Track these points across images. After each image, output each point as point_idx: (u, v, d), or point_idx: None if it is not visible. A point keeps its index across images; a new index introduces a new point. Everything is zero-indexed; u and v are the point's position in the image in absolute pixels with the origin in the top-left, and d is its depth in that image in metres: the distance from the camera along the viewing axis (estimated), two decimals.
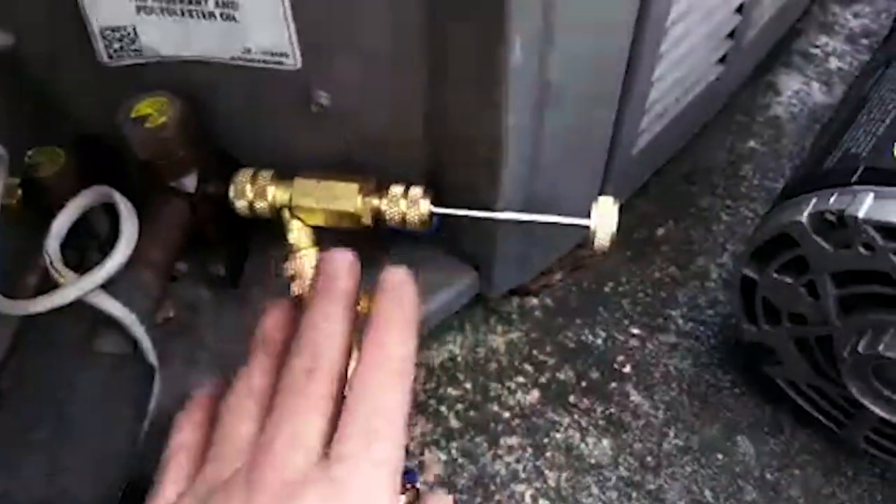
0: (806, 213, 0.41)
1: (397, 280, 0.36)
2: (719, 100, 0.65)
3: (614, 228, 0.42)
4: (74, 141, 0.45)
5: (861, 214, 0.38)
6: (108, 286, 0.39)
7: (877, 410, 0.45)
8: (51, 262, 0.38)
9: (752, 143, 0.68)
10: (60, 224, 0.40)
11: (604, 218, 0.42)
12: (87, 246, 0.45)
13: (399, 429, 0.31)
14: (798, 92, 0.72)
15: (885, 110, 0.44)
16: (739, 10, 0.56)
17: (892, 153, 0.41)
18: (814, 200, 0.41)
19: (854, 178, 0.40)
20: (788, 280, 0.44)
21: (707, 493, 0.50)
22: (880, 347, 0.41)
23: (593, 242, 0.42)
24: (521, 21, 0.36)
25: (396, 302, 0.34)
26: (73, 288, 0.37)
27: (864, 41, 0.76)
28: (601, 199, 0.42)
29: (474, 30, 0.37)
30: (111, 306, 0.38)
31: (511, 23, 0.36)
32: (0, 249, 0.42)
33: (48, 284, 0.40)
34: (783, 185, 0.47)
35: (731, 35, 0.58)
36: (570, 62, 0.41)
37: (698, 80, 0.58)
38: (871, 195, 0.38)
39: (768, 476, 0.51)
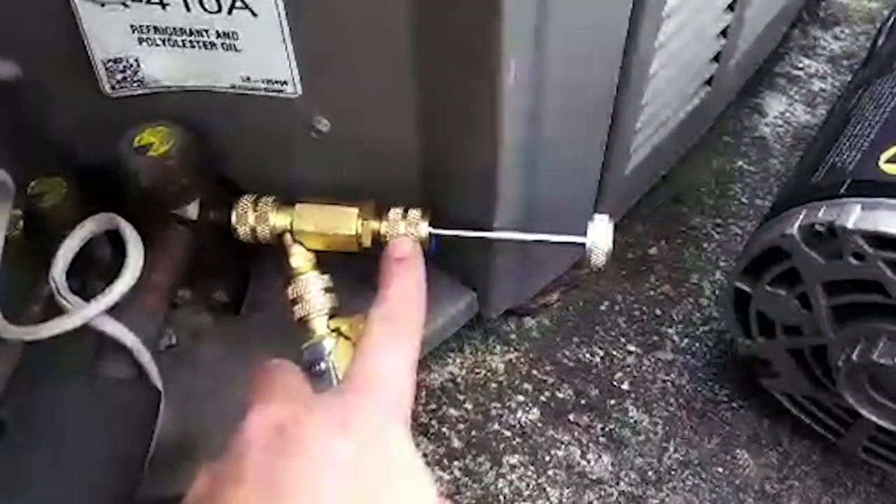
0: (796, 226, 0.42)
1: (405, 250, 0.37)
2: (706, 121, 0.67)
3: (610, 245, 0.43)
4: (77, 171, 0.46)
5: (850, 225, 0.39)
6: (113, 311, 0.39)
7: (873, 419, 0.45)
8: (56, 289, 0.39)
9: (739, 163, 0.69)
10: (66, 251, 0.40)
11: (599, 235, 0.43)
12: (88, 275, 0.45)
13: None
14: (783, 113, 0.74)
15: (868, 126, 0.45)
16: (724, 34, 0.58)
17: (878, 166, 0.42)
18: (803, 213, 0.42)
19: (842, 191, 0.41)
20: (781, 292, 0.45)
21: None
22: (874, 355, 0.42)
23: (590, 260, 0.43)
24: (514, 46, 0.37)
25: (404, 272, 0.36)
26: (80, 313, 0.38)
27: (845, 63, 0.78)
28: (596, 217, 0.43)
29: (469, 55, 0.38)
30: (117, 331, 0.39)
31: (504, 48, 0.37)
32: (4, 279, 0.43)
33: (51, 313, 0.40)
34: (773, 201, 0.48)
35: (716, 58, 0.59)
36: (562, 84, 0.42)
37: (685, 103, 0.59)
38: (859, 206, 0.40)
39: (768, 488, 0.51)
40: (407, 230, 0.44)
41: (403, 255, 0.38)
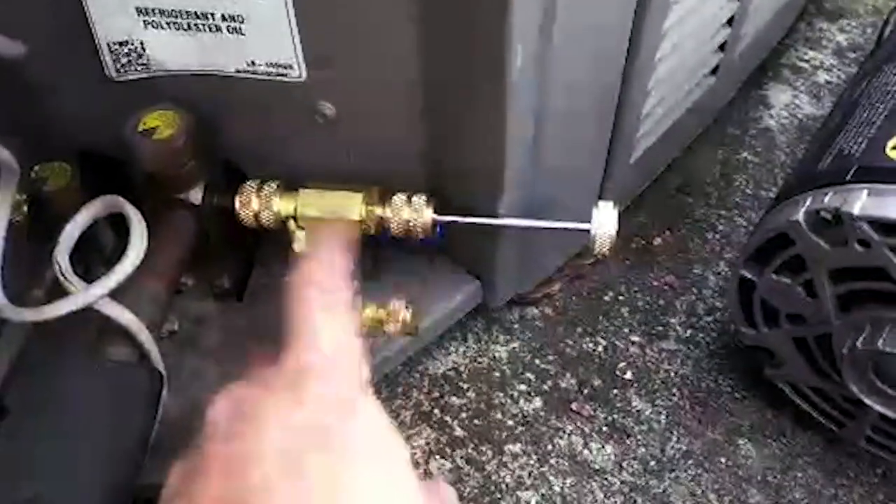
0: (802, 212, 0.42)
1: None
2: (712, 111, 0.67)
3: (614, 232, 0.43)
4: (81, 155, 0.46)
5: (856, 211, 0.39)
6: (116, 294, 0.39)
7: (877, 407, 0.45)
8: (60, 270, 0.39)
9: (744, 155, 0.69)
10: (70, 233, 0.40)
11: (604, 222, 0.43)
12: (91, 262, 0.45)
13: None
14: (788, 105, 0.73)
15: (875, 113, 0.45)
16: (729, 23, 0.57)
17: (884, 152, 0.42)
18: (809, 199, 0.42)
19: (848, 177, 0.41)
20: (786, 280, 0.45)
21: (711, 496, 0.50)
22: (879, 343, 0.42)
23: (594, 246, 0.43)
24: (521, 33, 0.37)
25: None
26: (83, 295, 0.38)
27: (851, 55, 0.78)
28: (601, 203, 0.43)
29: (476, 41, 0.38)
30: (120, 314, 0.38)
31: (512, 36, 0.37)
32: (8, 263, 0.43)
33: (55, 297, 0.40)
34: (779, 188, 0.48)
35: (721, 48, 0.59)
36: (568, 72, 0.42)
37: (691, 92, 0.59)
38: (865, 192, 0.39)
39: (771, 478, 0.51)
40: (411, 216, 0.44)
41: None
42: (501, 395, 0.55)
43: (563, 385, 0.55)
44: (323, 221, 0.43)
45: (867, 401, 0.45)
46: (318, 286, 0.32)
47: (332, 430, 0.27)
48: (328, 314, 0.31)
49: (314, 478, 0.25)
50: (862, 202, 0.39)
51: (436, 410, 0.54)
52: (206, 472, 0.26)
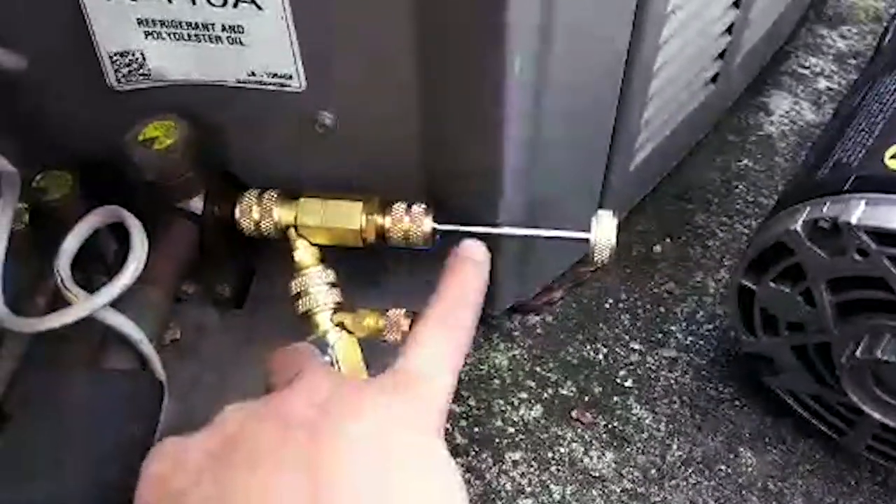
0: (800, 222, 0.42)
1: (477, 253, 0.38)
2: (712, 118, 0.67)
3: (614, 241, 0.43)
4: (82, 165, 0.46)
5: (854, 220, 0.39)
6: (117, 304, 0.39)
7: (877, 416, 0.45)
8: (61, 280, 0.39)
9: (745, 162, 0.69)
10: (71, 243, 0.41)
11: (603, 231, 0.43)
12: (92, 272, 0.45)
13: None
14: (788, 112, 0.74)
15: (873, 123, 0.45)
16: (729, 30, 0.57)
17: (882, 162, 0.42)
18: (808, 209, 0.42)
19: (846, 187, 0.41)
20: (785, 289, 0.45)
21: (711, 503, 0.50)
22: (878, 352, 0.42)
23: (594, 255, 0.43)
24: (519, 40, 0.37)
25: (470, 274, 0.36)
26: (85, 304, 0.38)
27: (852, 61, 0.78)
28: (600, 212, 0.43)
29: (474, 49, 0.38)
30: (121, 323, 0.39)
31: (510, 41, 0.37)
32: (9, 273, 0.43)
33: (56, 307, 0.40)
34: (778, 197, 0.48)
35: (721, 55, 0.59)
36: (566, 79, 0.42)
37: (691, 99, 0.59)
38: (863, 202, 0.40)
39: (771, 486, 0.51)
40: (411, 225, 0.44)
41: (473, 257, 0.38)
42: (502, 402, 0.55)
43: (564, 392, 0.55)
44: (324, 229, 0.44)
45: (867, 410, 0.45)
46: (446, 316, 0.34)
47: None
48: (446, 343, 0.33)
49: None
50: (860, 212, 0.39)
51: None
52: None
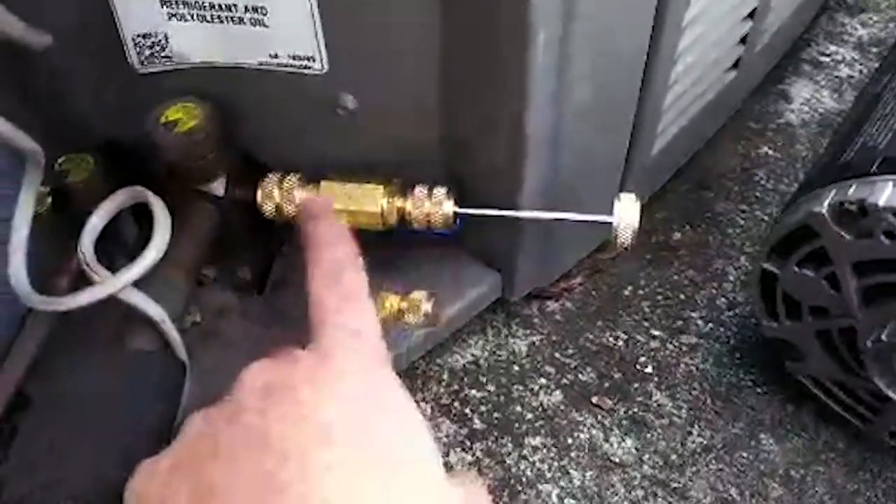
0: (826, 204, 0.41)
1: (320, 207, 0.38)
2: (732, 105, 0.66)
3: (636, 224, 0.42)
4: (104, 147, 0.46)
5: (882, 202, 0.39)
6: (140, 284, 0.39)
7: None
8: (85, 260, 0.39)
9: (765, 149, 0.69)
10: (94, 223, 0.41)
11: (626, 214, 0.42)
12: (114, 255, 0.46)
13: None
14: (809, 99, 0.73)
15: None
16: (751, 16, 0.57)
17: None
18: (833, 191, 0.42)
19: (873, 169, 0.41)
20: (809, 273, 0.44)
21: (732, 490, 0.50)
22: None
23: (616, 238, 0.43)
24: (543, 21, 0.37)
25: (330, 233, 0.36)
26: (108, 284, 0.38)
27: (874, 49, 0.77)
28: (623, 195, 0.43)
29: (498, 30, 0.38)
30: (144, 303, 0.39)
31: (534, 21, 0.37)
32: (32, 254, 0.43)
33: (79, 288, 0.40)
34: (801, 181, 0.48)
35: (743, 41, 0.59)
36: (590, 63, 0.42)
37: (712, 85, 0.59)
38: (891, 184, 0.39)
39: (793, 473, 0.51)
40: (432, 208, 0.44)
41: (319, 214, 0.37)
42: (521, 388, 0.55)
43: (584, 378, 0.55)
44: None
45: (892, 395, 0.45)
46: (334, 276, 0.33)
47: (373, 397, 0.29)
48: (347, 300, 0.32)
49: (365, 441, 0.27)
50: (888, 193, 0.39)
51: (455, 403, 0.54)
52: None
